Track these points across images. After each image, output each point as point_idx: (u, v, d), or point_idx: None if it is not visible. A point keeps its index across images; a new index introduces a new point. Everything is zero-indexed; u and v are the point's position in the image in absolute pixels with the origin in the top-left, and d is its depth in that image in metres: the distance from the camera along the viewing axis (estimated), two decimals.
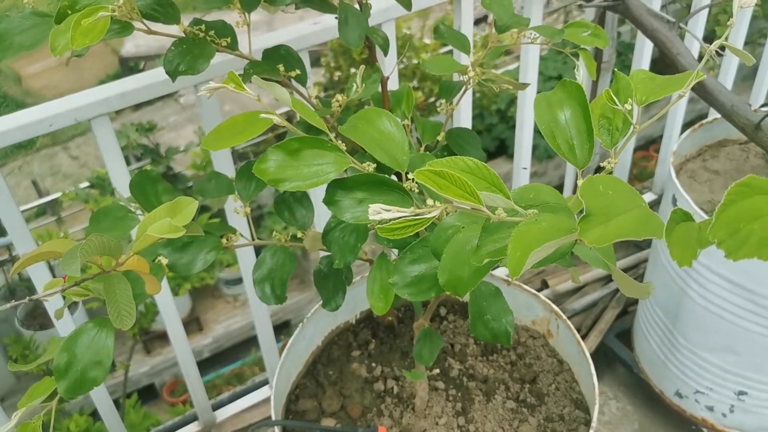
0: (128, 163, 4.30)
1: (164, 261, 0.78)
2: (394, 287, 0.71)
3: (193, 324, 4.28)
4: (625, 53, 3.75)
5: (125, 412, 3.21)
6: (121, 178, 1.08)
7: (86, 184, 3.96)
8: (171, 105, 6.30)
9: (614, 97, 0.60)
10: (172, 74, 0.76)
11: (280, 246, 0.87)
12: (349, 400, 1.08)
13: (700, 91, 1.24)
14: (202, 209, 3.63)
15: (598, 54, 1.43)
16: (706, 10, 1.48)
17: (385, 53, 0.90)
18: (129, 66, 6.55)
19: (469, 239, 0.58)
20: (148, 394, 4.09)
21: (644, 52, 1.49)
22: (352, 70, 4.28)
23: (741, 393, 1.28)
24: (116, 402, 3.72)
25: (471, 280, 0.58)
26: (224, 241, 0.84)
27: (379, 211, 0.46)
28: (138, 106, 6.20)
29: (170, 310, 1.27)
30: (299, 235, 0.90)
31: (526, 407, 1.04)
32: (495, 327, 0.86)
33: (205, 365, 4.26)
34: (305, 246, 0.87)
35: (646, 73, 0.65)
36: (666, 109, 0.61)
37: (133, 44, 6.66)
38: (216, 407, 1.48)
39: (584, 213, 0.43)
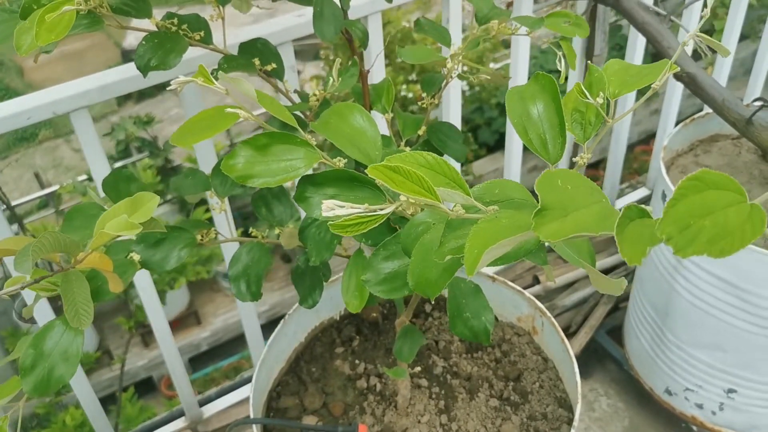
0: (129, 155, 4.29)
1: (136, 257, 0.77)
2: (366, 284, 0.70)
3: (191, 317, 4.27)
4: (626, 47, 3.73)
5: (122, 405, 3.21)
6: (100, 172, 1.07)
7: (84, 177, 3.95)
8: (172, 98, 6.30)
9: (585, 91, 0.58)
10: (143, 69, 0.75)
11: (257, 242, 0.86)
12: (331, 398, 1.07)
13: (692, 85, 1.22)
14: (199, 203, 3.62)
15: (589, 47, 1.41)
16: (701, 3, 1.46)
17: (364, 47, 0.89)
18: (131, 58, 6.53)
19: (437, 239, 0.56)
20: (146, 387, 4.09)
21: (638, 45, 1.47)
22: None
23: (730, 391, 1.27)
24: (113, 395, 3.72)
25: (439, 281, 0.57)
26: (199, 237, 0.83)
27: (332, 207, 0.45)
28: (139, 99, 6.18)
29: (155, 306, 1.26)
30: (277, 231, 0.89)
31: (509, 405, 1.03)
32: (474, 325, 0.85)
33: (203, 359, 4.25)
34: (281, 243, 0.86)
35: (621, 64, 0.64)
36: (638, 104, 0.60)
37: (135, 36, 6.64)
38: (203, 403, 1.47)
39: (539, 207, 0.42)
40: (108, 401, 3.77)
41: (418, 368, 1.06)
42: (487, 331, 0.85)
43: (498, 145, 4.49)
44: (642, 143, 4.75)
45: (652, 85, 0.58)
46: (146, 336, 4.21)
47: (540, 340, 1.09)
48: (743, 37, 4.08)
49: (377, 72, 1.21)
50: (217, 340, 4.32)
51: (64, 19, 0.60)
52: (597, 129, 0.61)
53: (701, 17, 0.59)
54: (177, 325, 4.15)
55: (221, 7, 0.84)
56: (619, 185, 1.81)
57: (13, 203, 4.56)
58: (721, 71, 1.63)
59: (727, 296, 1.16)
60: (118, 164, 4.21)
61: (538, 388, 1.05)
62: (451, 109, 1.34)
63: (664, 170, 1.23)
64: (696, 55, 1.37)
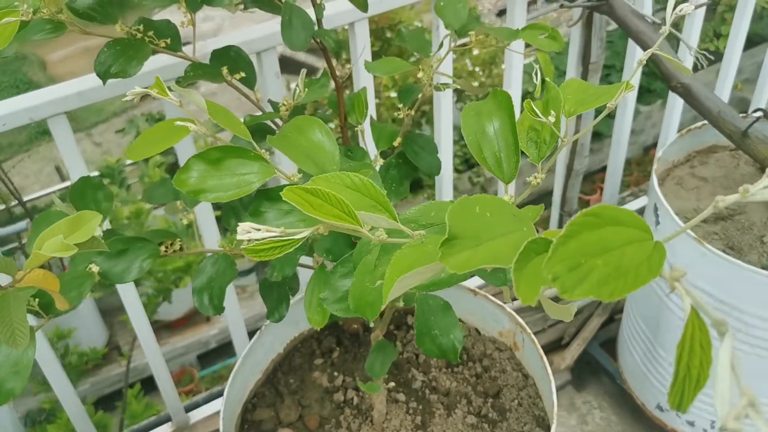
0: None
1: (96, 269, 0.76)
2: (324, 303, 0.69)
3: (199, 315, 4.27)
4: None
5: (127, 402, 3.22)
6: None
7: (96, 173, 3.96)
8: (190, 94, 6.31)
9: (536, 109, 0.56)
10: (103, 76, 0.74)
11: (222, 254, 0.84)
12: (307, 411, 1.05)
13: (687, 96, 1.19)
14: None
15: (585, 54, 1.38)
16: (702, 11, 1.42)
17: (337, 57, 0.87)
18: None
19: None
20: (154, 383, 4.10)
21: (636, 54, 1.44)
22: None
23: None
24: (119, 392, 3.74)
25: (376, 303, 0.55)
26: (163, 249, 0.81)
27: (248, 230, 0.43)
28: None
29: (137, 311, 1.25)
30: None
31: (487, 422, 1.01)
32: (443, 343, 0.83)
33: (211, 356, 4.26)
34: (246, 256, 0.84)
35: (580, 83, 0.62)
36: (594, 122, 0.57)
37: None
38: (189, 408, 1.46)
39: (446, 237, 0.39)
40: (116, 396, 3.79)
41: (392, 384, 1.04)
42: (455, 349, 0.83)
43: None
44: (654, 147, 4.69)
45: (608, 105, 0.56)
46: (156, 332, 4.23)
47: (521, 356, 1.07)
48: (764, 39, 4.00)
49: (365, 79, 1.19)
50: (225, 338, 4.32)
51: (6, 30, 0.59)
52: (552, 148, 0.59)
53: (661, 33, 0.57)
54: (185, 322, 4.15)
55: (191, 14, 0.83)
56: (619, 193, 1.78)
57: (32, 197, 4.59)
58: (725, 81, 1.59)
59: (718, 314, 1.13)
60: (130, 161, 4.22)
61: (516, 405, 1.02)
62: (443, 121, 1.31)
63: (656, 182, 1.20)
64: (694, 67, 1.34)
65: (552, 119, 0.56)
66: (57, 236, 0.54)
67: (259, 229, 0.43)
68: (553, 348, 1.54)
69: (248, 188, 0.65)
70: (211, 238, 1.21)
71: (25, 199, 4.34)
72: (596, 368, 1.53)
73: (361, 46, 1.17)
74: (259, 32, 1.08)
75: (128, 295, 1.22)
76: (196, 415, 1.45)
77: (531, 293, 0.35)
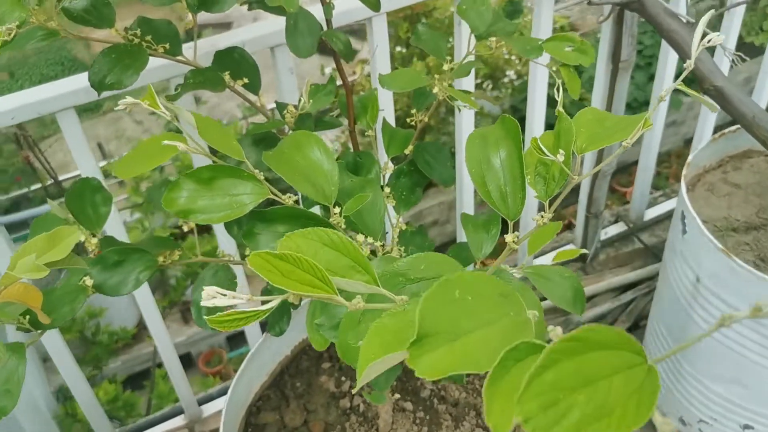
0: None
1: (89, 282, 0.74)
2: (320, 329, 0.66)
3: None
4: None
5: (155, 382, 3.25)
6: (89, 173, 1.05)
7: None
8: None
9: (542, 147, 0.52)
10: (98, 87, 0.71)
11: (223, 264, 0.82)
12: (313, 416, 1.03)
13: (719, 99, 1.13)
14: None
15: (616, 53, 1.32)
16: (742, 9, 1.35)
17: (347, 60, 0.83)
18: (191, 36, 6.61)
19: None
20: (184, 363, 4.14)
21: (669, 55, 1.37)
22: (398, 48, 4.16)
23: (747, 427, 1.18)
24: (147, 371, 3.78)
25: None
26: (161, 259, 0.79)
27: (213, 296, 0.40)
28: None
29: (149, 306, 1.24)
30: (248, 251, 0.85)
31: None
32: None
33: (240, 337, 4.30)
34: (246, 268, 0.82)
35: (595, 113, 0.57)
36: (609, 159, 0.53)
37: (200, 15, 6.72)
38: (203, 401, 1.45)
39: (416, 336, 0.34)
40: (146, 374, 3.83)
41: (397, 395, 1.01)
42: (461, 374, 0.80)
43: None
44: (690, 143, 4.56)
45: (623, 143, 0.52)
46: (186, 313, 4.26)
47: None
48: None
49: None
50: None
51: None
52: (561, 185, 0.54)
53: (694, 31, 0.52)
54: None
55: (193, 15, 0.80)
56: (651, 192, 1.72)
57: (70, 175, 4.64)
58: (766, 78, 1.51)
59: (748, 331, 1.08)
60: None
61: None
62: (464, 124, 1.27)
63: (684, 189, 1.15)
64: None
65: (561, 158, 0.51)
66: (31, 255, 0.52)
67: (225, 295, 0.39)
68: None
69: (241, 210, 0.63)
70: (225, 243, 1.19)
71: (66, 176, 4.39)
72: None
73: (379, 42, 1.13)
74: (272, 27, 1.04)
75: (142, 291, 1.21)
76: (209, 408, 1.44)
77: (504, 422, 0.29)
